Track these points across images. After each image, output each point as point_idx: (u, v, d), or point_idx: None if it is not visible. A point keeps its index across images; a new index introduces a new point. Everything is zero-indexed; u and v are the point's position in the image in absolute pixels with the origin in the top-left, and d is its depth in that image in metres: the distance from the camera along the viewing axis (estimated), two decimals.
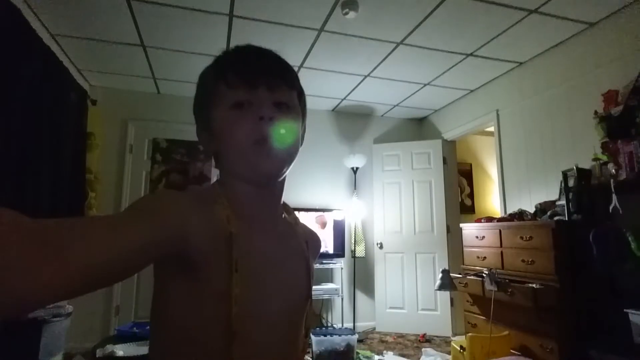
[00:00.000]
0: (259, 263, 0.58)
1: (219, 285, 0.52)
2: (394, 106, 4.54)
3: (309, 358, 2.97)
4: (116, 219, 0.43)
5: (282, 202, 0.69)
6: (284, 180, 0.65)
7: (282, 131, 0.58)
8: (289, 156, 0.61)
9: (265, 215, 0.64)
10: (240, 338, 0.53)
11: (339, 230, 4.19)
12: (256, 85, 0.58)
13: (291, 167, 0.63)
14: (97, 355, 2.03)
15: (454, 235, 4.11)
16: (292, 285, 0.62)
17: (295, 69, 3.49)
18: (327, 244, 4.08)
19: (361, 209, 4.44)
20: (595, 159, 2.46)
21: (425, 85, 3.91)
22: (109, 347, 2.08)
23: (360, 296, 4.42)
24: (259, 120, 0.57)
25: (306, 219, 4.00)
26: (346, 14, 2.54)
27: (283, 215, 0.69)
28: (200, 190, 0.65)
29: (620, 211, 2.18)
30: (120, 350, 2.09)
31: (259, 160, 0.58)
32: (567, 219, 2.49)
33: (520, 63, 3.40)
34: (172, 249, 0.49)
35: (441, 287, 2.90)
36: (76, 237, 0.37)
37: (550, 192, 2.99)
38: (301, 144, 0.67)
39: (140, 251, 0.43)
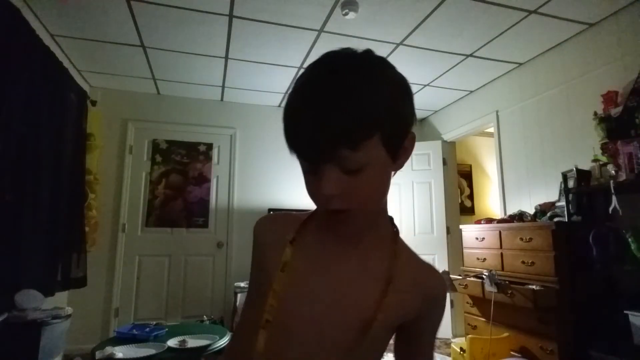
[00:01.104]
0: (308, 270, 0.60)
1: (267, 283, 0.60)
2: None
3: None
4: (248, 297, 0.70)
5: (388, 226, 0.65)
6: None
7: (352, 204, 0.53)
8: (366, 217, 0.58)
9: (338, 239, 0.62)
10: (273, 330, 0.56)
11: None
12: (316, 162, 0.52)
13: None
14: (96, 357, 2.02)
15: (453, 237, 4.10)
16: (344, 302, 0.59)
17: (295, 69, 3.49)
18: None
19: None
20: (595, 160, 2.46)
21: (425, 86, 3.91)
22: (109, 349, 2.07)
23: None
24: (325, 194, 0.52)
25: None
26: (346, 14, 2.54)
27: (374, 239, 0.63)
28: (299, 213, 0.71)
29: (620, 212, 2.17)
30: (119, 352, 2.08)
31: (333, 220, 0.56)
32: (567, 220, 2.49)
33: (520, 64, 3.40)
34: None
35: None
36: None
37: (550, 193, 2.99)
38: (394, 174, 0.58)
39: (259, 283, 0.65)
